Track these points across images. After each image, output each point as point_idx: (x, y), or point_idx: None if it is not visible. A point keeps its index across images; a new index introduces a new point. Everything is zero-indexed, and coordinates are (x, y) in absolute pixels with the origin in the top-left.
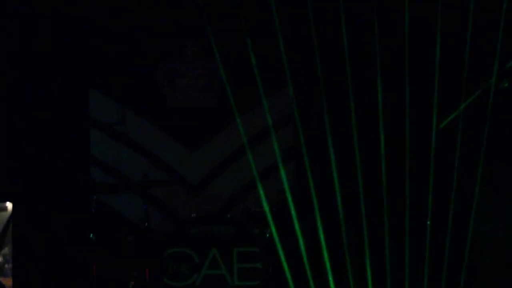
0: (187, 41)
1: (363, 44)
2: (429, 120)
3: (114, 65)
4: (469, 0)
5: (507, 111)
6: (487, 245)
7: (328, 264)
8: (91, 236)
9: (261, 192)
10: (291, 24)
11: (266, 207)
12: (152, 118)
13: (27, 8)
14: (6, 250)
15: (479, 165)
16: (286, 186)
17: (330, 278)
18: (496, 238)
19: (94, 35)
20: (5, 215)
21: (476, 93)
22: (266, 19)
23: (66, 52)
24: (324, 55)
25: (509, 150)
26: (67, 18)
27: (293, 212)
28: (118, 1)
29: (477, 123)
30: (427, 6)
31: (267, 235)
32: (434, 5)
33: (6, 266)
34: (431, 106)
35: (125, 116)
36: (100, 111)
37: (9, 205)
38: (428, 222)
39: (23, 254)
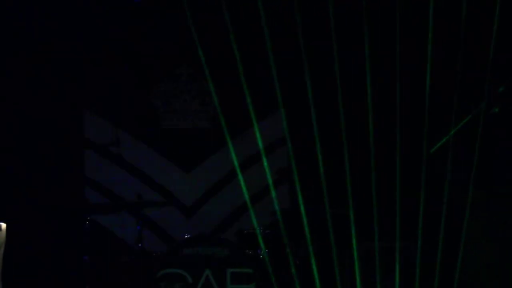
0: (181, 63)
1: (354, 71)
2: (420, 145)
3: (108, 86)
4: (460, 24)
5: (497, 136)
6: (478, 269)
7: (318, 285)
8: (84, 256)
9: (252, 214)
10: (284, 47)
11: (258, 229)
12: (147, 140)
13: (23, 26)
14: None
15: (470, 189)
16: (277, 208)
17: None
18: (488, 262)
19: (90, 57)
20: (1, 235)
21: (467, 118)
22: (258, 42)
23: (61, 73)
24: (317, 78)
25: (500, 174)
26: (63, 40)
27: (284, 234)
28: (114, 21)
29: (468, 148)
30: (419, 30)
31: (260, 256)
32: (425, 29)
33: None
34: (422, 131)
35: (120, 137)
36: (94, 132)
37: (3, 225)
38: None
39: (14, 273)
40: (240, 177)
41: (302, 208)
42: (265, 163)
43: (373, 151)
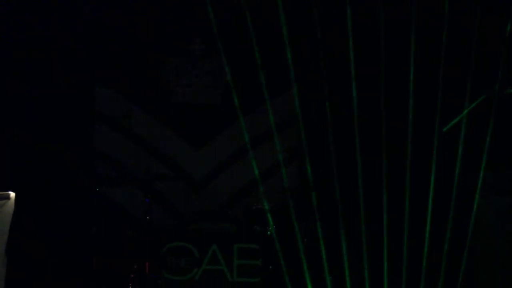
0: (195, 39)
1: (366, 46)
2: (433, 123)
3: (121, 60)
4: (476, 7)
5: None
6: (487, 249)
7: (326, 264)
8: (92, 228)
9: (262, 191)
10: (296, 27)
11: (267, 206)
12: (158, 114)
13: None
14: None
15: (481, 170)
16: (286, 185)
17: (328, 278)
18: (497, 243)
19: (103, 31)
20: (10, 204)
21: (480, 98)
22: (271, 21)
23: (73, 46)
24: (328, 58)
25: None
26: (75, 14)
27: (293, 211)
28: None
29: (480, 128)
30: (434, 10)
31: (268, 233)
32: (441, 10)
33: None
34: (436, 109)
35: (131, 111)
36: (106, 105)
37: (12, 194)
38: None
39: (22, 245)
40: (250, 153)
41: (311, 186)
42: (276, 141)
43: (384, 129)
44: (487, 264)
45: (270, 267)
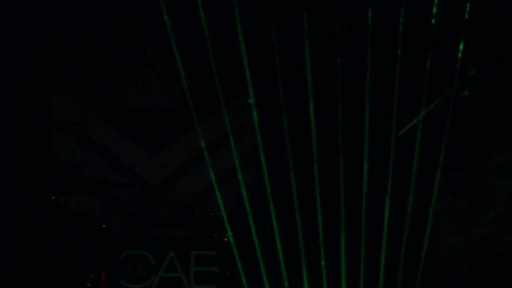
0: (151, 44)
1: (322, 51)
2: (389, 127)
3: (77, 66)
4: (432, 10)
5: (467, 119)
6: (444, 251)
7: (284, 269)
8: (48, 236)
9: (219, 197)
10: (253, 31)
11: (224, 212)
12: (114, 120)
13: None
14: None
15: (437, 172)
16: (244, 191)
17: (286, 283)
18: (454, 244)
19: (59, 36)
20: None
21: (436, 101)
22: (228, 26)
23: (29, 52)
24: (286, 62)
25: (468, 158)
26: (31, 20)
27: (250, 217)
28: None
29: (436, 130)
30: (391, 13)
31: (226, 239)
32: (398, 13)
33: None
34: (391, 113)
35: (87, 117)
36: (62, 111)
37: None
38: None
39: None
40: (207, 159)
41: (268, 192)
42: (233, 146)
43: (341, 135)
44: (446, 266)
45: (228, 274)
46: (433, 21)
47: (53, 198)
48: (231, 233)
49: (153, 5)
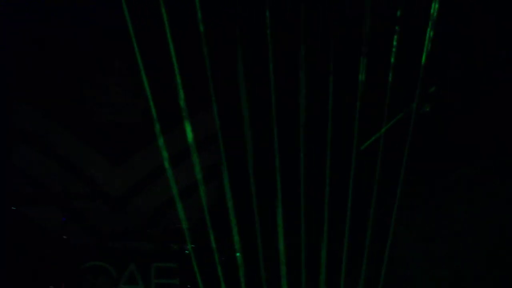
0: (115, 57)
1: (286, 65)
2: (351, 142)
3: (40, 76)
4: (395, 27)
5: (428, 135)
6: (405, 266)
7: (243, 281)
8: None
9: (180, 210)
10: (219, 44)
11: (184, 225)
12: (77, 131)
13: None
14: None
15: (398, 187)
16: (204, 204)
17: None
18: (414, 259)
19: (24, 46)
20: None
21: (398, 116)
22: (194, 39)
23: None
24: (250, 75)
25: (428, 173)
26: None
27: (211, 230)
28: (48, 11)
29: (398, 145)
30: (354, 30)
31: (186, 251)
32: (360, 29)
33: None
34: (353, 128)
35: (49, 128)
36: (24, 122)
37: None
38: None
39: None
40: (168, 172)
41: (230, 205)
42: (194, 159)
43: (303, 148)
44: (406, 281)
45: (188, 286)
46: (395, 39)
47: (13, 208)
48: (192, 246)
49: (118, 17)
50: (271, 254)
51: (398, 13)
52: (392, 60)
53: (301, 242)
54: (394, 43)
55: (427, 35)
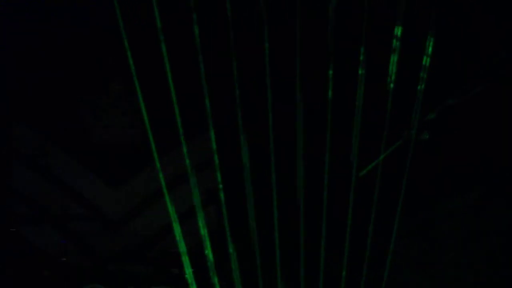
0: (113, 78)
1: (282, 87)
2: (350, 168)
3: (39, 97)
4: (394, 50)
5: (427, 162)
6: None
7: None
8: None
9: (177, 233)
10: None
11: (182, 248)
12: (75, 153)
13: None
14: None
15: (397, 214)
16: (202, 228)
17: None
18: (412, 285)
19: (22, 66)
20: None
21: (397, 143)
22: (190, 59)
23: None
24: (246, 94)
25: (427, 200)
26: None
27: (210, 255)
28: (47, 32)
29: (396, 173)
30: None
31: (186, 275)
32: (357, 51)
33: None
34: (352, 153)
35: (48, 149)
36: (22, 143)
37: None
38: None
39: None
40: (166, 196)
41: (227, 229)
42: (192, 183)
43: (301, 172)
44: None
45: None
46: (393, 62)
47: (11, 230)
48: (191, 270)
49: (115, 38)
50: (272, 278)
51: (395, 42)
52: (391, 86)
53: (299, 268)
54: (392, 64)
55: (424, 62)
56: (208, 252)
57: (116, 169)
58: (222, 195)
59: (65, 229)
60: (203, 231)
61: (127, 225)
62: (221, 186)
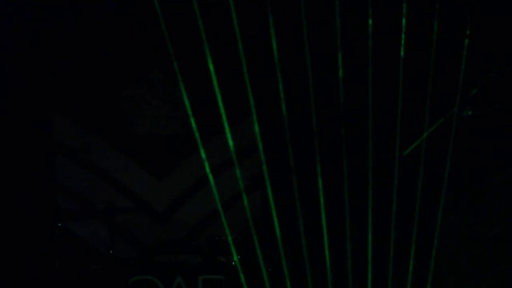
0: (153, 68)
1: (325, 74)
2: (393, 147)
3: (79, 90)
4: (432, 28)
5: (470, 139)
6: (450, 271)
7: None
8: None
9: (224, 221)
10: (256, 54)
11: (229, 236)
12: (118, 145)
13: None
14: None
15: (443, 192)
16: (249, 215)
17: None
18: (459, 264)
19: (61, 60)
20: None
21: (439, 121)
22: (230, 48)
23: (31, 76)
24: (288, 83)
25: (471, 177)
26: (33, 40)
27: (256, 241)
28: (87, 24)
29: (440, 150)
30: (390, 31)
31: (233, 263)
32: (397, 31)
33: None
34: (395, 132)
35: (91, 143)
36: (65, 137)
37: None
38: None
39: None
40: (212, 183)
41: (274, 215)
42: (237, 170)
43: (345, 155)
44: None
45: None
46: (434, 40)
47: (59, 225)
48: (238, 257)
49: (155, 28)
50: (317, 263)
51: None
52: (431, 63)
53: (346, 250)
54: (432, 43)
55: (465, 38)
56: (254, 238)
57: (159, 159)
58: (266, 181)
59: (111, 222)
60: (249, 218)
61: (173, 215)
62: (266, 172)
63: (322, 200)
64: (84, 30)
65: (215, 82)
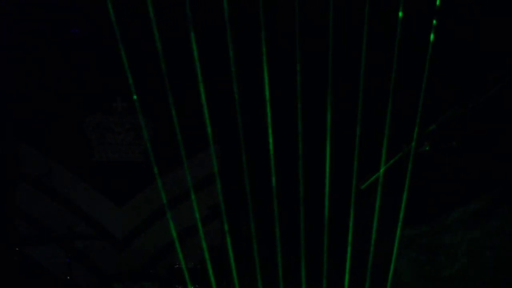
0: (116, 96)
1: (283, 107)
2: (350, 181)
3: (43, 118)
4: (393, 64)
5: (427, 174)
6: None
7: None
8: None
9: (179, 250)
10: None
11: (184, 265)
12: (80, 172)
13: None
14: None
15: (398, 227)
16: (204, 244)
17: None
18: None
19: (26, 88)
20: None
21: (397, 156)
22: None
23: None
24: (248, 110)
25: (428, 213)
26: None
27: (210, 271)
28: (51, 54)
29: (397, 185)
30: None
31: None
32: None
33: None
34: (353, 166)
35: (52, 169)
36: (27, 163)
37: None
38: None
39: None
40: (168, 213)
41: (229, 244)
42: (193, 199)
43: (302, 186)
44: None
45: None
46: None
47: (17, 249)
48: (195, 286)
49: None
50: None
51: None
52: (390, 99)
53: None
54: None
55: (425, 72)
56: (211, 267)
57: (120, 187)
58: (223, 211)
59: (70, 248)
60: (205, 248)
61: (133, 243)
62: (223, 202)
63: (278, 231)
64: (46, 57)
65: (173, 112)
